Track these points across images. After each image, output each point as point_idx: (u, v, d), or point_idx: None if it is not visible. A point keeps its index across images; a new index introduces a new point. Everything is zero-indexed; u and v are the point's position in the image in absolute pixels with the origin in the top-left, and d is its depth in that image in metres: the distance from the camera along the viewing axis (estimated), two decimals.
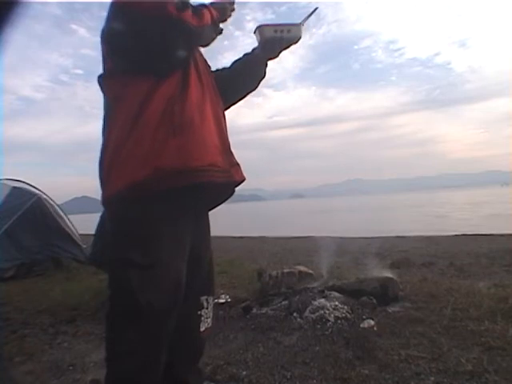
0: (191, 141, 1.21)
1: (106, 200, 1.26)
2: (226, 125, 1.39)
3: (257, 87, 1.61)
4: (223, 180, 1.29)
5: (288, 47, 1.54)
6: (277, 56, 1.55)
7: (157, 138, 1.18)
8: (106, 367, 1.25)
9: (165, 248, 1.23)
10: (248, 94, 1.63)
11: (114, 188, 1.22)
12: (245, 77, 1.55)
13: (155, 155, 1.17)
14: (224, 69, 1.56)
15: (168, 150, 1.18)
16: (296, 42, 1.51)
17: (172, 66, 1.25)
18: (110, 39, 1.24)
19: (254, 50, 1.54)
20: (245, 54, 1.56)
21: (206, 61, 1.42)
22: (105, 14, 1.24)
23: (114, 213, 1.28)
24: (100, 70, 1.31)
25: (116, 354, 1.23)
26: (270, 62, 1.56)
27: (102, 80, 1.31)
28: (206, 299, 1.45)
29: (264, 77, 1.59)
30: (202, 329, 1.44)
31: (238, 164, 1.37)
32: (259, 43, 1.50)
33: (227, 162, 1.31)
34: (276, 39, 1.46)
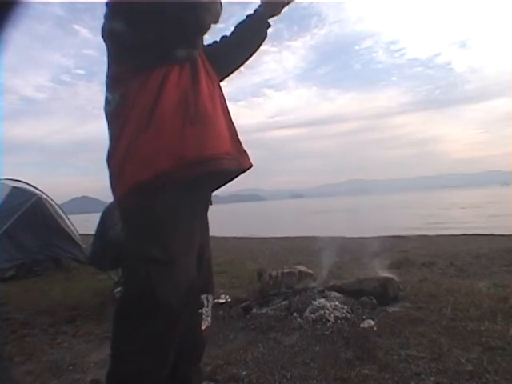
0: (207, 130, 1.24)
1: (125, 193, 1.23)
2: (231, 115, 1.41)
3: (257, 49, 1.58)
4: (235, 167, 1.33)
5: (289, 3, 1.52)
6: (279, 13, 1.53)
7: (175, 127, 1.20)
8: (111, 365, 1.23)
9: (182, 244, 1.24)
10: (249, 57, 1.60)
11: (133, 180, 1.20)
12: (246, 39, 1.54)
13: (176, 144, 1.19)
14: (224, 36, 1.54)
15: (187, 140, 1.20)
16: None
17: (199, 39, 1.30)
18: (122, 31, 1.20)
19: (256, 10, 1.52)
20: (247, 16, 1.54)
21: (208, 58, 1.43)
22: None
23: (132, 206, 1.24)
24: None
25: (125, 353, 1.20)
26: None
27: (111, 78, 1.30)
28: (206, 297, 1.46)
29: (265, 37, 1.56)
30: (203, 327, 1.45)
31: (245, 152, 1.40)
32: (263, 1, 1.48)
33: (236, 150, 1.35)
34: None
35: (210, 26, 1.27)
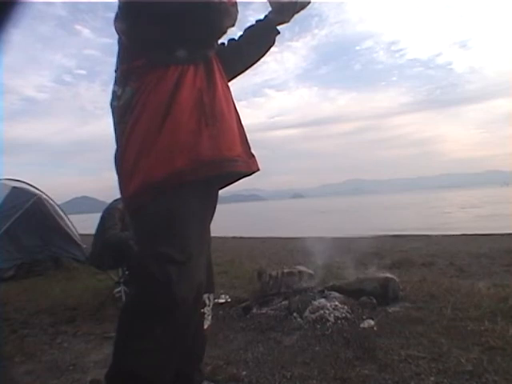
0: (222, 131, 1.25)
1: (137, 191, 1.21)
2: (240, 117, 1.42)
3: (263, 56, 1.58)
4: (245, 170, 1.33)
5: (299, 11, 1.51)
6: (288, 21, 1.53)
7: (191, 127, 1.19)
8: (117, 363, 1.22)
9: (196, 243, 1.24)
10: (255, 62, 1.59)
11: (146, 178, 1.19)
12: (253, 44, 1.53)
13: (193, 144, 1.19)
14: (232, 39, 1.54)
15: (203, 140, 1.20)
16: (305, 7, 1.51)
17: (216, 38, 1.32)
18: (140, 26, 1.20)
19: (266, 16, 1.51)
20: (257, 21, 1.53)
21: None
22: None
23: (144, 205, 1.22)
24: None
25: (138, 350, 1.18)
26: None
27: (122, 72, 1.28)
28: (208, 297, 1.47)
29: (273, 44, 1.55)
30: (205, 326, 1.47)
31: (253, 155, 1.40)
32: (273, 7, 1.48)
33: (246, 152, 1.36)
34: (291, 2, 1.46)
35: (227, 30, 1.28)
